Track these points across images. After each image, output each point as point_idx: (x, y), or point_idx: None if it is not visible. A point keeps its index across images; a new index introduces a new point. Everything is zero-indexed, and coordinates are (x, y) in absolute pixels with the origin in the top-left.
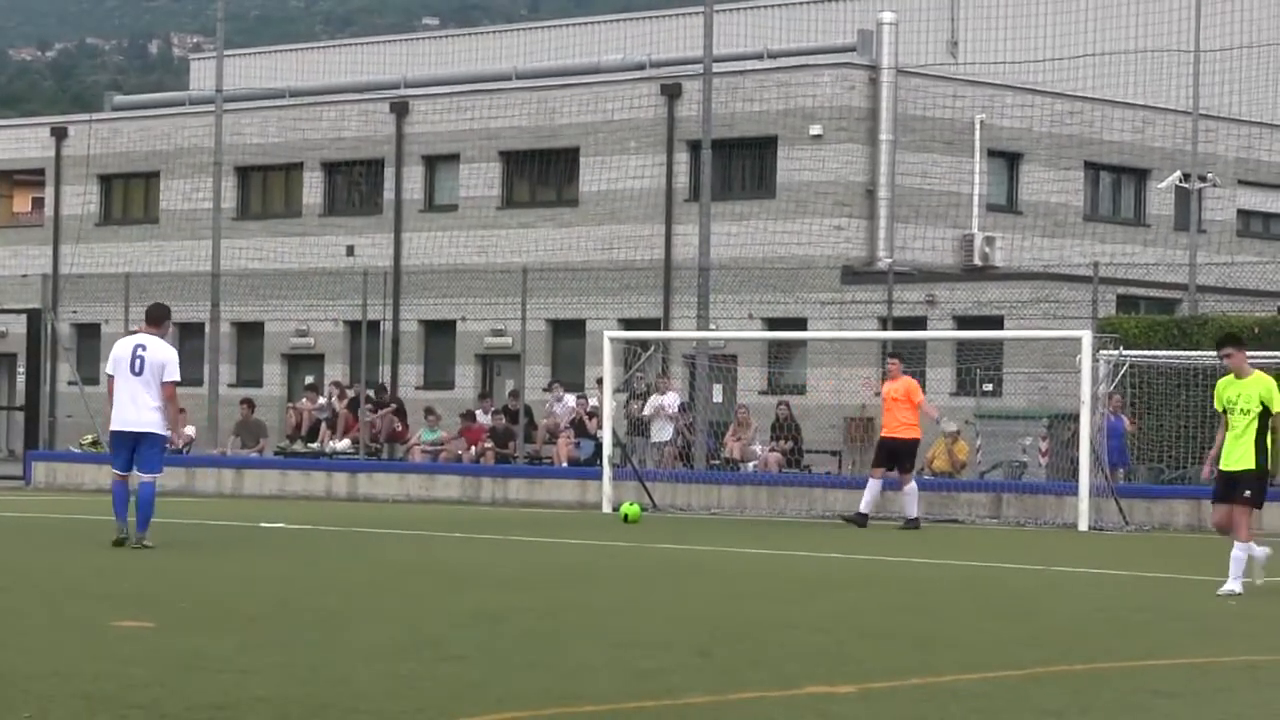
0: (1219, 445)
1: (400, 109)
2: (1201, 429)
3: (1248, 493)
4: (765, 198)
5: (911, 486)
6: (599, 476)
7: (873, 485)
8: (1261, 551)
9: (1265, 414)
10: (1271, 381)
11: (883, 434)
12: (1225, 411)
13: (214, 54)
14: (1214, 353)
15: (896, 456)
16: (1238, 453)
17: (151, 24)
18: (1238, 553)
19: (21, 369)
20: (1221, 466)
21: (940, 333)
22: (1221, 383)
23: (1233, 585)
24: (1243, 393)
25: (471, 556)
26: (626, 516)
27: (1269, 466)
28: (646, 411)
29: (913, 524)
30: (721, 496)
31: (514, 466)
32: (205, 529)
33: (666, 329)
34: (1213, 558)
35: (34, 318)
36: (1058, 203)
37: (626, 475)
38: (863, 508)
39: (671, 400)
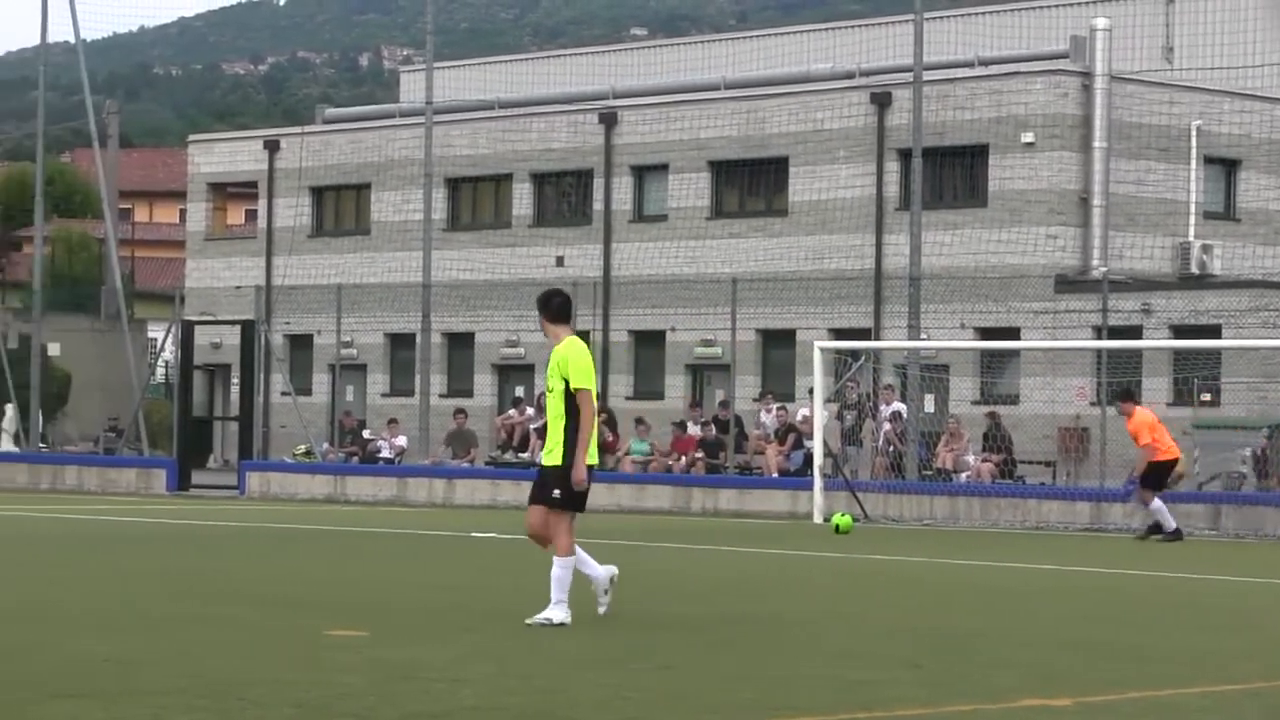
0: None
1: (609, 120)
2: None
3: (556, 493)
4: (977, 206)
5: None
6: (810, 487)
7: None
8: (603, 571)
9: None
10: (579, 348)
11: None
12: (550, 391)
13: (424, 66)
14: None
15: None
16: (551, 442)
17: (362, 37)
18: (558, 570)
19: (236, 380)
20: (544, 459)
21: (1157, 342)
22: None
23: (555, 612)
24: (552, 365)
25: (682, 566)
26: (838, 527)
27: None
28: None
29: (1175, 535)
30: (934, 507)
31: (724, 477)
32: (417, 539)
33: (877, 339)
34: None
35: (248, 329)
36: (1277, 210)
37: (838, 485)
38: (1171, 524)
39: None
